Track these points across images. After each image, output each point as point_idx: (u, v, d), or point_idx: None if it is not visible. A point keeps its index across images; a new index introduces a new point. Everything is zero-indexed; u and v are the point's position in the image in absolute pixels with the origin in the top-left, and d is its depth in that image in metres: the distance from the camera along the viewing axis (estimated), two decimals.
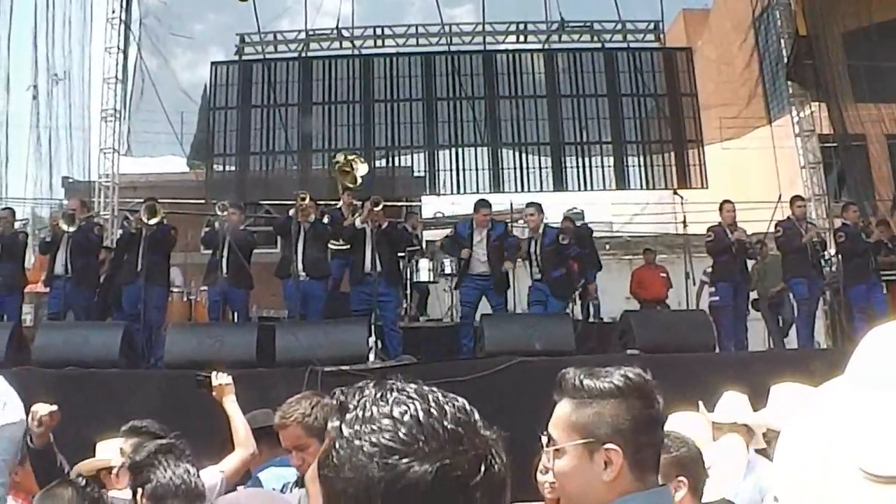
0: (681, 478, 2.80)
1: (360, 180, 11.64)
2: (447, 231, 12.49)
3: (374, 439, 1.08)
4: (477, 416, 1.16)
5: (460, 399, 1.16)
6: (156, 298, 10.73)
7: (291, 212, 10.67)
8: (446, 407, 1.12)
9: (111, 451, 4.64)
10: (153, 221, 10.63)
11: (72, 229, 10.92)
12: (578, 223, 13.99)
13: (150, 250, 10.62)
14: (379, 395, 1.13)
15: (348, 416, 1.11)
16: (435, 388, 1.16)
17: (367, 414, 1.10)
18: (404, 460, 1.06)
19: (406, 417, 1.09)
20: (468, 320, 10.99)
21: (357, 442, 1.09)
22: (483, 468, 1.10)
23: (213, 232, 11.14)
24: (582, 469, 1.88)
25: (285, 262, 10.74)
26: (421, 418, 1.10)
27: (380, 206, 10.47)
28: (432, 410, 1.11)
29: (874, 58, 17.92)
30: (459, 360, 9.86)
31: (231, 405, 4.26)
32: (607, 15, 16.15)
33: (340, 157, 12.15)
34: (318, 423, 3.33)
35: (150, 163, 16.85)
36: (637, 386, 1.96)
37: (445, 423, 1.10)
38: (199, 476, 3.00)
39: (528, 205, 11.84)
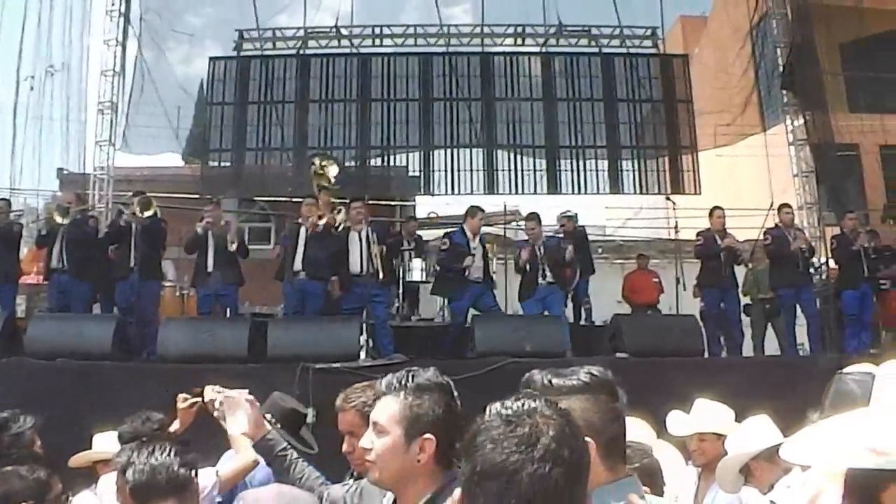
0: (645, 488, 2.86)
1: (332, 180, 11.81)
2: (439, 235, 12.49)
3: None
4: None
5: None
6: (149, 292, 10.78)
7: (301, 220, 10.85)
8: None
9: (108, 443, 4.68)
10: (147, 214, 10.69)
11: (66, 221, 10.97)
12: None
13: (142, 244, 10.67)
14: None
15: None
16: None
17: None
18: None
19: None
20: (458, 327, 11.14)
21: None
22: None
23: (195, 237, 11.16)
24: None
25: (284, 267, 10.83)
26: None
27: (359, 204, 10.65)
28: None
29: (872, 68, 18.07)
30: (450, 359, 9.91)
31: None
32: (606, 20, 16.20)
33: (316, 161, 12.27)
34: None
35: (146, 156, 16.86)
36: (602, 382, 2.10)
37: None
38: (184, 465, 2.99)
39: (528, 216, 12.00)
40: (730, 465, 3.95)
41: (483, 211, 11.87)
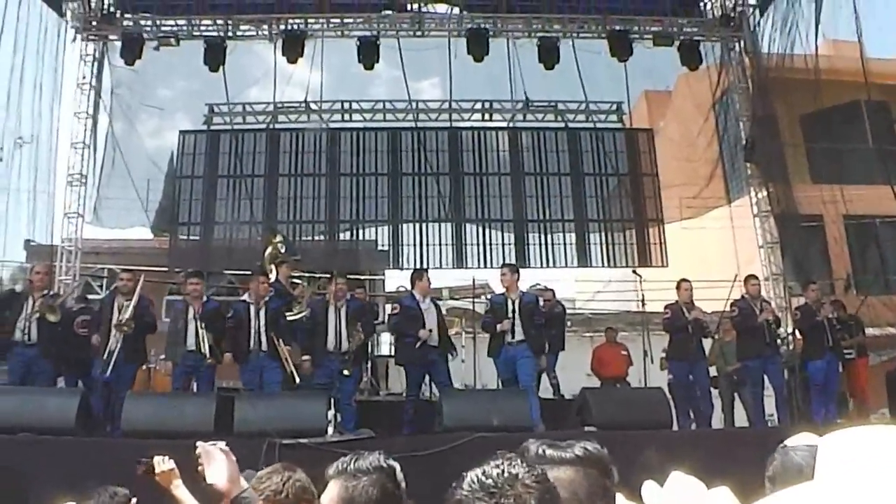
0: None
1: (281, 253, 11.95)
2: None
3: None
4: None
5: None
6: (128, 373, 10.71)
7: (245, 297, 10.91)
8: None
9: None
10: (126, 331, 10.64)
11: (58, 319, 10.87)
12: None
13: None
14: None
15: None
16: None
17: None
18: None
19: None
20: (412, 398, 11.10)
21: None
22: None
23: (177, 313, 11.16)
24: None
25: (241, 349, 10.82)
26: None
27: (342, 280, 10.68)
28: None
29: (832, 139, 18.46)
30: (418, 434, 9.86)
31: (178, 490, 4.05)
32: (572, 95, 16.43)
33: (277, 237, 12.42)
34: (287, 501, 3.36)
35: (116, 229, 16.83)
36: (595, 457, 2.12)
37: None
38: None
39: (507, 265, 12.02)
40: None
41: (427, 271, 11.93)
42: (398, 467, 2.55)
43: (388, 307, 12.21)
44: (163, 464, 4.04)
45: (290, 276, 11.97)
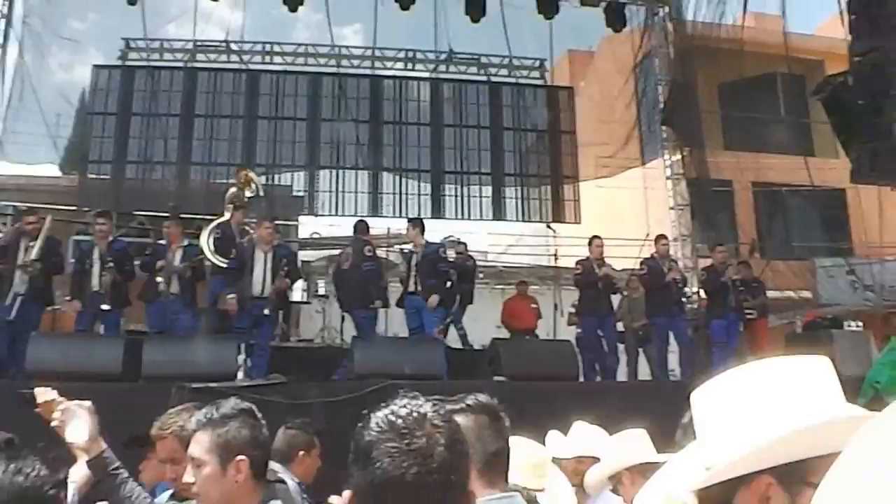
0: None
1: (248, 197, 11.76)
2: (322, 256, 12.44)
3: None
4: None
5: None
6: (35, 314, 10.33)
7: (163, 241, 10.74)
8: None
9: None
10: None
11: None
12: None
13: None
14: None
15: None
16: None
17: None
18: None
19: None
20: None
21: None
22: None
23: (82, 252, 10.91)
24: None
25: (151, 287, 10.63)
26: None
27: (270, 224, 10.59)
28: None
29: (748, 108, 18.87)
30: (329, 381, 9.88)
31: None
32: (495, 49, 16.47)
33: (249, 174, 12.18)
34: None
35: (23, 165, 16.33)
36: (484, 405, 2.29)
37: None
38: (43, 478, 2.89)
39: (410, 220, 12.10)
40: (599, 471, 4.09)
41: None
42: (255, 407, 2.72)
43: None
44: (45, 394, 3.88)
45: (243, 222, 11.70)
